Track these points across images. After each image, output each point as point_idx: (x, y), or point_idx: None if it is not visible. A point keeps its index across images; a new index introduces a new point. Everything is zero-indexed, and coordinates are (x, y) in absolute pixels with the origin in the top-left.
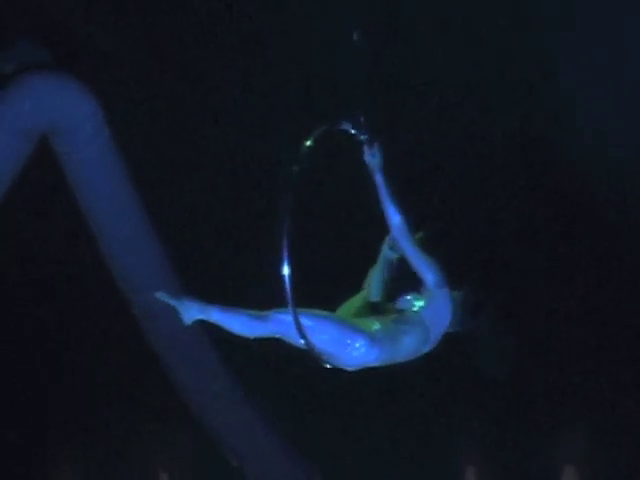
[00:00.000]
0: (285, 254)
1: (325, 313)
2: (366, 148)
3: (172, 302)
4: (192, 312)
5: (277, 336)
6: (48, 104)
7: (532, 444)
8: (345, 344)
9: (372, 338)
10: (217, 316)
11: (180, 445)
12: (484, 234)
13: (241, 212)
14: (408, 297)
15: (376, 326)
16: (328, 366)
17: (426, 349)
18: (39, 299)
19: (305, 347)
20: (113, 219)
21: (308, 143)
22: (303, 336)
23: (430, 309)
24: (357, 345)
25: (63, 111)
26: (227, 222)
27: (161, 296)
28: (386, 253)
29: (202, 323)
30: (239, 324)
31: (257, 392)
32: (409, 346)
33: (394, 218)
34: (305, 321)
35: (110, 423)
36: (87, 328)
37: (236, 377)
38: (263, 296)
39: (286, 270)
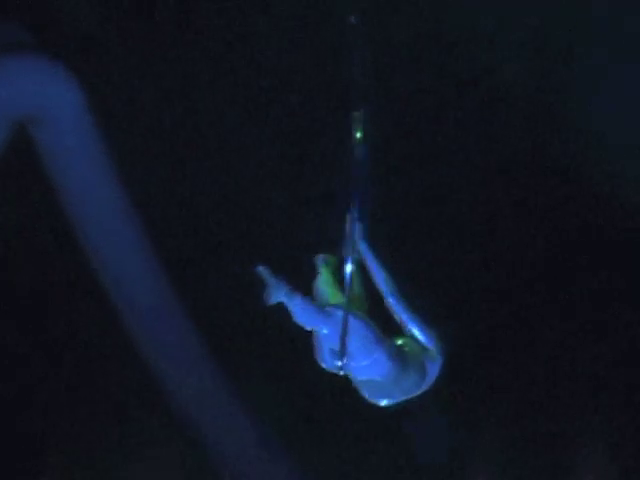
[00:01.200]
0: (350, 253)
1: (362, 314)
2: (351, 217)
3: (269, 279)
4: (279, 294)
5: (324, 330)
6: (27, 89)
7: (547, 457)
8: (368, 348)
9: (390, 351)
10: (297, 303)
11: (172, 463)
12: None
13: (231, 207)
14: (400, 342)
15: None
16: (340, 373)
17: (411, 394)
18: (27, 295)
19: (338, 344)
20: (95, 210)
21: (359, 135)
22: (344, 332)
23: (432, 364)
24: (377, 352)
25: (43, 97)
26: (216, 217)
27: (261, 271)
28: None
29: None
30: (308, 315)
31: (250, 395)
32: (411, 381)
33: (385, 286)
34: (350, 318)
35: (100, 442)
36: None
37: (228, 381)
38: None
39: (349, 268)
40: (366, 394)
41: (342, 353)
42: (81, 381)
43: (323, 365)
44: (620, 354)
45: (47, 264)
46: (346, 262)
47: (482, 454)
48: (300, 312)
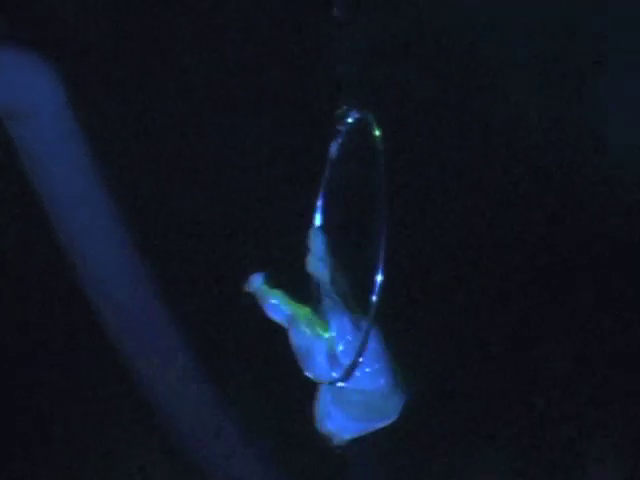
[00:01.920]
0: (382, 260)
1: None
2: (314, 256)
3: (329, 295)
4: (336, 309)
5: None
6: (5, 82)
7: (548, 458)
8: (373, 357)
9: (390, 363)
10: (347, 320)
11: (161, 468)
12: None
13: (225, 209)
14: None
15: None
16: (339, 384)
17: (388, 419)
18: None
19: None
20: (76, 208)
21: (377, 133)
22: (365, 343)
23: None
24: (379, 363)
25: (20, 90)
26: (208, 219)
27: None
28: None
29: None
30: (346, 327)
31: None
32: (395, 402)
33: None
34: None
35: (84, 447)
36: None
37: (215, 385)
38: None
39: (380, 277)
40: (343, 416)
41: (355, 363)
42: (69, 386)
43: (312, 373)
44: (620, 354)
45: (28, 265)
46: (378, 270)
47: (482, 454)
48: (342, 325)
